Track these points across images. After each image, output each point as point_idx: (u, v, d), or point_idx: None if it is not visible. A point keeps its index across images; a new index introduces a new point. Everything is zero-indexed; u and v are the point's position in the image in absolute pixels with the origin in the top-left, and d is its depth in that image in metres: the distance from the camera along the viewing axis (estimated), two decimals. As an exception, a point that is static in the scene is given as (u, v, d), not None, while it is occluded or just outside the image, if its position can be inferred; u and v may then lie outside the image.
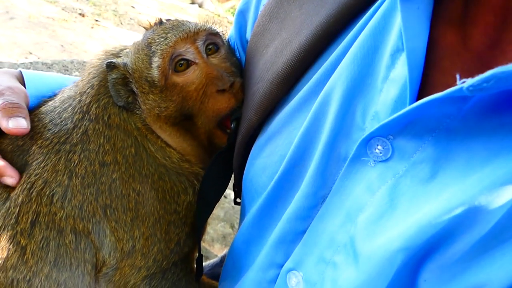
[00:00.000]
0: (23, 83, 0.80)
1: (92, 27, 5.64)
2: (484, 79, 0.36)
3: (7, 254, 0.67)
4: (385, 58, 0.51)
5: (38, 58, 4.04)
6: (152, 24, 0.80)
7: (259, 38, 0.71)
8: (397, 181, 0.47)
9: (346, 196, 0.51)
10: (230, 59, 0.79)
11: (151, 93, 0.74)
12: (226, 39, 0.85)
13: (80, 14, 5.93)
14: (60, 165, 0.70)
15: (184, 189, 0.77)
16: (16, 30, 4.68)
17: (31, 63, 2.69)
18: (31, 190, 0.69)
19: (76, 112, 0.73)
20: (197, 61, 0.74)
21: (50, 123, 0.74)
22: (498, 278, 0.38)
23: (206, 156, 0.82)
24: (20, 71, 0.82)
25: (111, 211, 0.71)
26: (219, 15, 8.58)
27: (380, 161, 0.48)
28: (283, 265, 0.57)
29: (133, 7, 7.62)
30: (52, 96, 0.81)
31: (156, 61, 0.72)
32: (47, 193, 0.69)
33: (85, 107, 0.73)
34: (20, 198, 0.68)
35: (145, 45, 0.75)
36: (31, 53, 4.26)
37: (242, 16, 0.82)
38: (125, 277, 0.75)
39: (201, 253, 0.82)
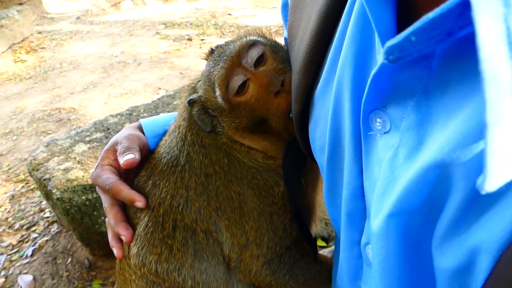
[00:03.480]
0: (143, 131, 1.02)
1: (200, 47, 6.19)
2: (407, 35, 0.33)
3: (161, 251, 0.87)
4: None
5: (166, 91, 4.66)
6: (208, 53, 0.88)
7: (290, 31, 0.73)
8: (395, 152, 0.45)
9: (369, 171, 0.51)
10: (275, 57, 0.81)
11: (224, 115, 0.84)
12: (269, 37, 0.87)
13: (188, 39, 6.57)
14: (178, 182, 0.87)
15: (275, 182, 0.86)
16: (145, 73, 5.47)
17: (159, 99, 3.13)
18: (165, 204, 0.87)
19: (178, 141, 0.90)
20: (248, 76, 0.79)
21: (164, 153, 0.92)
22: (491, 239, 0.35)
23: None
24: (140, 123, 1.04)
25: (222, 212, 0.85)
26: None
27: (384, 133, 0.47)
28: (360, 241, 0.59)
29: (229, 14, 8.06)
30: (165, 132, 1.00)
31: (217, 91, 0.81)
32: (175, 204, 0.86)
33: (183, 136, 0.89)
34: (161, 210, 0.87)
35: (206, 77, 0.84)
36: (159, 88, 4.93)
37: (285, 9, 0.84)
38: (248, 266, 0.88)
39: (313, 234, 0.91)
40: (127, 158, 0.86)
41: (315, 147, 0.69)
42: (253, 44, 0.82)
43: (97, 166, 0.92)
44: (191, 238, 0.86)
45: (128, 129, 1.01)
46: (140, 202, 0.85)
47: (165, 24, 7.55)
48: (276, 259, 0.88)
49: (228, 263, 0.89)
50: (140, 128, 1.03)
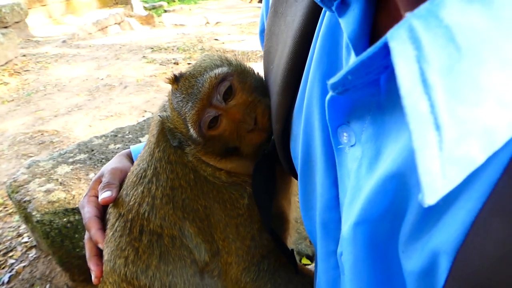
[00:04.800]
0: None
1: (187, 71, 6.22)
2: (344, 75, 0.37)
3: (128, 254, 0.89)
4: (343, 51, 0.53)
5: (152, 114, 4.64)
6: (172, 80, 0.86)
7: (267, 56, 0.77)
8: (359, 163, 0.48)
9: (342, 183, 0.54)
10: (244, 87, 0.84)
11: (195, 145, 0.87)
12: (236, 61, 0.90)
13: (174, 63, 6.61)
14: (145, 192, 0.90)
15: (240, 195, 0.89)
16: (131, 96, 5.45)
17: (144, 120, 3.11)
18: (133, 211, 0.90)
19: (147, 156, 0.94)
20: (220, 113, 0.82)
21: (136, 165, 0.97)
22: (447, 240, 0.37)
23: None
24: (129, 149, 1.12)
25: (190, 221, 0.88)
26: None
27: (351, 146, 0.50)
28: (336, 251, 0.60)
29: (216, 39, 8.18)
30: None
31: (191, 130, 0.83)
32: (141, 211, 0.90)
33: (151, 152, 0.93)
34: (130, 216, 0.90)
35: (175, 109, 0.86)
36: (145, 111, 4.91)
37: (262, 35, 0.89)
38: (227, 273, 0.90)
39: (289, 244, 0.94)
40: (104, 196, 0.93)
41: (296, 164, 0.72)
42: (223, 79, 0.82)
43: (85, 195, 0.99)
44: (157, 241, 0.89)
45: (117, 158, 1.09)
46: (101, 244, 0.93)
47: (152, 48, 7.61)
48: (253, 267, 0.90)
49: (202, 268, 0.90)
50: (130, 155, 1.11)
